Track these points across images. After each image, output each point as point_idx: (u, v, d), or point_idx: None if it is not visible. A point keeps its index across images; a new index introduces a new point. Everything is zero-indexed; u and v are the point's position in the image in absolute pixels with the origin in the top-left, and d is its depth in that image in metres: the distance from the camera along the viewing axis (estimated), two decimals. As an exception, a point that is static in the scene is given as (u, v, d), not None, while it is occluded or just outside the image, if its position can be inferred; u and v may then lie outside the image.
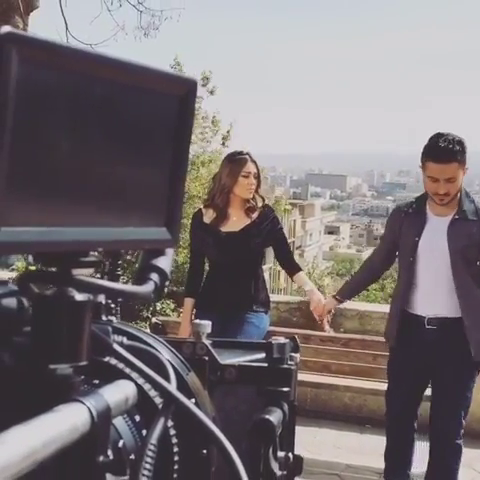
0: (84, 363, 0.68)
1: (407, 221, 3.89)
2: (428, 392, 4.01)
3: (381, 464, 4.58)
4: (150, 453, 0.69)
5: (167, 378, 0.74)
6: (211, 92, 14.23)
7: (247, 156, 4.31)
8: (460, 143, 3.66)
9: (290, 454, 0.95)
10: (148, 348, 0.80)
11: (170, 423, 0.77)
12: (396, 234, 3.96)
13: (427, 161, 3.71)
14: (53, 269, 0.68)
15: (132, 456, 0.72)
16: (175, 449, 0.79)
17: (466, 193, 3.82)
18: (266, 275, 4.56)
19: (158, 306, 8.47)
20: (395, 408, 3.96)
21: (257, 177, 4.31)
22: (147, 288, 0.79)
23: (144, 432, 0.75)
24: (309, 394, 5.84)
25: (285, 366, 0.97)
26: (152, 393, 0.76)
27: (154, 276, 0.80)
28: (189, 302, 4.46)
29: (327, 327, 5.95)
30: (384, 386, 5.66)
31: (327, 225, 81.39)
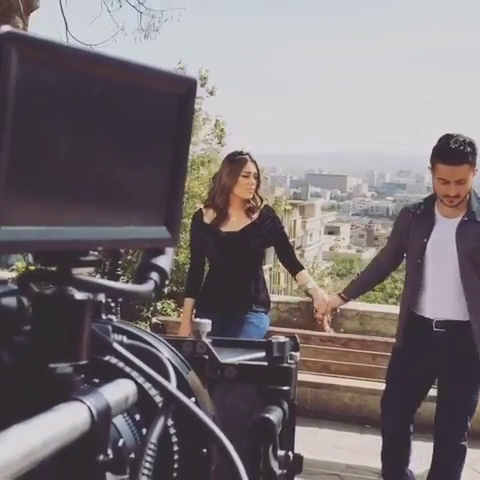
0: (84, 362, 0.68)
1: (415, 222, 3.86)
2: (431, 392, 4.00)
3: (380, 464, 4.58)
4: (150, 452, 0.69)
5: (167, 377, 0.74)
6: (211, 92, 14.19)
7: (247, 156, 4.31)
8: (471, 144, 3.62)
9: (290, 453, 0.95)
10: (148, 347, 0.80)
11: (170, 422, 0.77)
12: (403, 235, 3.92)
13: (437, 163, 3.66)
14: (53, 268, 0.68)
15: (132, 455, 0.72)
16: (175, 448, 0.79)
17: (475, 194, 3.78)
18: (266, 276, 4.56)
19: (158, 306, 8.45)
20: (393, 409, 3.93)
21: (257, 177, 4.31)
22: (147, 287, 0.79)
23: (144, 431, 0.75)
24: (309, 394, 5.84)
25: (285, 365, 0.97)
26: (152, 392, 0.76)
27: (154, 275, 0.80)
28: (189, 302, 4.46)
29: (327, 327, 5.95)
30: (384, 386, 5.68)
31: (327, 225, 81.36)
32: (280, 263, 4.83)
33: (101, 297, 0.75)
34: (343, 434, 5.56)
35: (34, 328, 0.67)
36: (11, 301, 0.69)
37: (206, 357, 0.95)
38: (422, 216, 3.84)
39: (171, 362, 0.80)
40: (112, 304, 0.79)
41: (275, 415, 0.89)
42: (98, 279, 0.72)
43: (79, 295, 0.67)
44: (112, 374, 0.73)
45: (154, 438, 0.70)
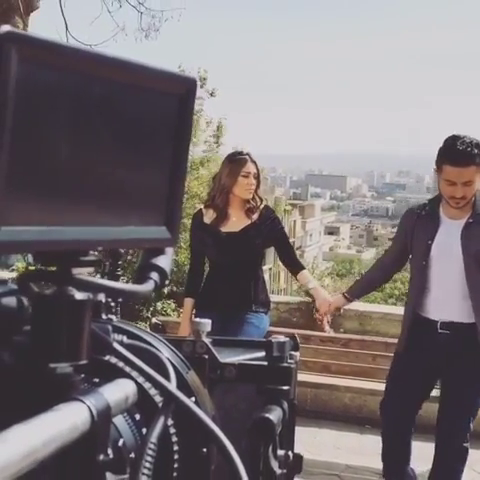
0: (84, 362, 0.68)
1: (419, 223, 3.84)
2: (432, 393, 3.99)
3: (381, 464, 4.58)
4: (150, 452, 0.69)
5: (167, 377, 0.74)
6: (211, 94, 14.16)
7: (247, 156, 4.31)
8: (478, 146, 3.59)
9: (290, 452, 0.95)
10: (148, 347, 0.80)
11: (170, 422, 0.77)
12: (408, 236, 3.90)
13: (444, 164, 3.64)
14: (53, 268, 0.68)
15: (132, 455, 0.72)
16: (175, 448, 0.79)
17: None
18: (266, 276, 4.56)
19: (158, 306, 8.46)
20: (394, 410, 3.91)
21: (257, 177, 4.31)
22: (147, 287, 0.79)
23: (144, 431, 0.75)
24: (309, 394, 5.84)
25: (285, 364, 0.97)
26: (152, 392, 0.76)
27: (154, 275, 0.80)
28: (189, 302, 4.46)
29: (327, 327, 5.95)
30: (384, 387, 5.68)
31: (327, 226, 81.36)
32: (280, 263, 4.83)
33: (101, 297, 0.75)
34: (343, 434, 5.56)
35: (34, 328, 0.67)
36: (11, 301, 0.69)
37: (206, 357, 0.95)
38: (427, 217, 3.82)
39: (171, 362, 0.80)
40: (112, 304, 0.79)
41: (275, 415, 0.89)
42: (98, 279, 0.72)
43: (79, 295, 0.67)
44: (112, 374, 0.73)
45: (154, 438, 0.70)
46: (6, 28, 0.55)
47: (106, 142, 0.65)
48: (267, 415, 0.89)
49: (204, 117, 13.38)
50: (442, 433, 3.83)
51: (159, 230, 0.72)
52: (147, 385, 0.76)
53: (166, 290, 8.38)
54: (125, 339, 0.77)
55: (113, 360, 0.75)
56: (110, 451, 0.68)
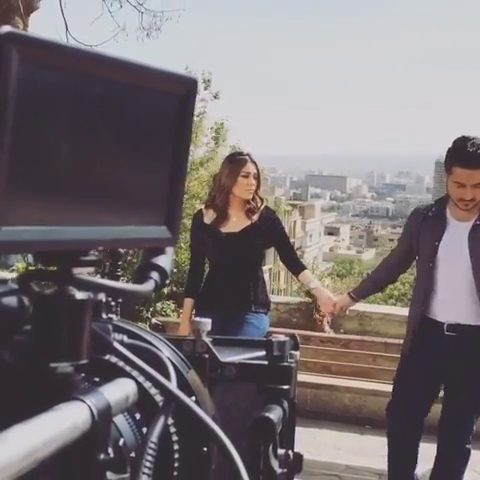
0: (85, 362, 0.68)
1: (426, 225, 3.80)
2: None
3: (381, 465, 4.57)
4: (151, 451, 0.69)
5: (167, 376, 0.74)
6: (215, 96, 14.17)
7: (247, 157, 4.31)
8: None
9: (290, 452, 0.95)
10: (148, 346, 0.80)
11: (170, 421, 0.77)
12: (414, 237, 3.87)
13: (454, 166, 3.60)
14: (53, 268, 0.68)
15: (132, 454, 0.72)
16: (175, 447, 0.79)
17: None
18: (266, 276, 4.56)
19: (158, 307, 8.46)
20: (401, 412, 3.85)
21: (257, 178, 4.31)
22: (147, 287, 0.79)
23: (144, 430, 0.75)
24: (309, 395, 5.84)
25: (285, 364, 0.97)
26: (152, 391, 0.76)
27: (154, 275, 0.80)
28: (189, 302, 4.46)
29: (327, 328, 5.95)
30: (384, 387, 5.68)
31: (327, 226, 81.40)
32: (281, 263, 4.82)
33: (101, 296, 0.75)
34: (343, 435, 5.56)
35: (35, 328, 0.67)
36: (12, 300, 0.69)
37: (206, 356, 0.95)
38: (433, 219, 3.79)
39: (171, 361, 0.80)
40: (112, 303, 0.79)
41: (275, 414, 0.89)
42: (98, 279, 0.72)
43: (79, 295, 0.67)
44: (112, 373, 0.73)
45: (154, 437, 0.70)
46: (7, 29, 0.55)
47: (106, 142, 0.65)
48: (267, 414, 0.89)
49: (207, 119, 13.41)
50: (445, 434, 3.82)
51: (159, 230, 0.72)
52: (147, 384, 0.76)
53: (166, 290, 8.38)
54: (125, 338, 0.77)
55: (113, 359, 0.75)
56: (111, 450, 0.68)
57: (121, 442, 0.72)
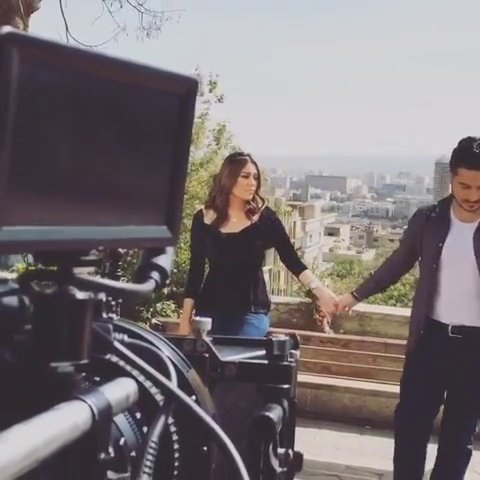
0: (85, 361, 0.68)
1: (429, 226, 3.77)
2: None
3: (381, 465, 4.58)
4: (151, 450, 0.69)
5: (168, 375, 0.75)
6: (219, 99, 14.19)
7: (247, 157, 4.31)
8: None
9: (290, 451, 0.95)
10: (149, 345, 0.80)
11: (171, 420, 0.77)
12: (417, 237, 3.84)
13: (459, 167, 3.57)
14: (54, 268, 0.68)
15: (133, 453, 0.73)
16: (176, 446, 0.79)
17: None
18: (266, 276, 4.56)
19: (158, 307, 8.47)
20: (410, 412, 3.78)
21: (257, 178, 4.30)
22: (148, 286, 0.79)
23: (145, 429, 0.75)
24: (309, 395, 5.84)
25: (285, 363, 0.97)
26: (153, 390, 0.76)
27: (155, 274, 0.81)
28: (189, 303, 4.46)
29: (327, 328, 5.94)
30: (384, 387, 5.69)
31: (327, 227, 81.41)
32: (281, 264, 4.82)
33: (102, 295, 0.75)
34: (343, 435, 5.56)
35: (35, 327, 0.67)
36: (12, 300, 0.69)
37: (206, 355, 0.95)
38: (437, 219, 3.75)
39: (172, 360, 0.80)
40: (112, 302, 0.80)
41: (275, 413, 0.89)
42: (99, 278, 0.72)
43: (80, 294, 0.67)
44: (113, 373, 0.73)
45: (155, 436, 0.70)
46: (7, 29, 0.55)
47: (107, 142, 0.65)
48: (267, 413, 0.89)
49: (210, 121, 13.43)
50: (446, 434, 3.80)
51: (160, 229, 0.72)
52: (148, 384, 0.76)
53: (166, 291, 8.38)
54: (126, 338, 0.78)
55: (114, 359, 0.75)
56: (111, 450, 0.68)
57: (122, 441, 0.72)
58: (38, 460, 0.57)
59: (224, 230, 4.30)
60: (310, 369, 5.75)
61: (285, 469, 0.93)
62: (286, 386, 0.95)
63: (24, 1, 7.64)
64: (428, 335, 3.76)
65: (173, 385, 0.73)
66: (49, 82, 0.59)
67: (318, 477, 4.64)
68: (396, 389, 5.57)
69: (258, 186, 4.31)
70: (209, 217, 4.36)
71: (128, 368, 0.75)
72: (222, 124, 13.82)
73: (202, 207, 4.59)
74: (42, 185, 0.60)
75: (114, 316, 0.78)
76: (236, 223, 4.31)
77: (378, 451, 5.15)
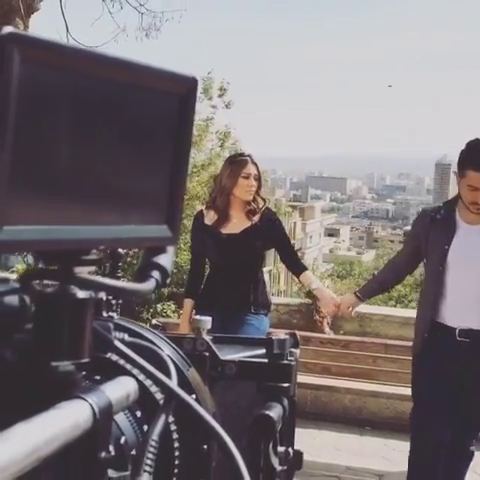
0: (86, 360, 0.68)
1: (435, 228, 3.72)
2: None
3: (381, 466, 4.59)
4: (152, 449, 0.70)
5: (168, 374, 0.75)
6: (226, 105, 14.27)
7: (248, 158, 4.31)
8: None
9: (290, 449, 0.95)
10: (149, 344, 0.81)
11: (171, 419, 0.77)
12: (421, 239, 3.79)
13: (467, 169, 3.53)
14: (55, 267, 0.69)
15: (133, 452, 0.73)
16: (176, 445, 0.79)
17: None
18: (266, 277, 4.55)
19: (158, 308, 8.48)
20: (427, 417, 3.69)
21: (258, 179, 4.30)
22: (148, 286, 0.79)
23: (145, 428, 0.75)
24: (309, 396, 5.84)
25: (285, 362, 0.97)
26: (153, 389, 0.77)
27: (155, 274, 0.81)
28: (189, 303, 4.46)
29: (327, 329, 5.94)
30: (384, 388, 5.69)
31: (327, 227, 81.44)
32: (282, 265, 4.81)
33: (102, 294, 0.75)
34: (343, 436, 5.56)
35: (36, 326, 0.67)
36: (13, 299, 0.70)
37: (206, 354, 0.95)
38: (442, 221, 3.71)
39: (172, 359, 0.80)
40: (113, 301, 0.80)
41: (275, 412, 0.90)
42: (100, 278, 0.72)
43: (81, 294, 0.67)
44: (113, 371, 0.73)
45: (155, 435, 0.71)
46: (8, 29, 0.56)
47: (107, 141, 0.65)
48: (267, 412, 0.89)
49: (214, 125, 13.50)
50: (450, 435, 3.78)
51: (160, 229, 0.72)
52: (148, 382, 0.76)
53: (166, 291, 8.39)
54: (126, 337, 0.78)
55: (114, 358, 0.75)
56: (112, 448, 0.69)
57: (122, 440, 0.72)
58: (39, 459, 0.58)
59: (224, 231, 4.31)
60: (310, 370, 5.75)
61: (285, 467, 0.93)
62: (286, 385, 0.95)
63: (24, 2, 7.64)
64: (433, 337, 3.72)
65: (173, 384, 0.74)
66: (50, 82, 0.59)
67: (318, 478, 4.64)
68: (396, 390, 5.60)
69: (259, 187, 4.31)
70: (209, 218, 4.36)
71: (128, 367, 0.75)
72: (227, 131, 13.89)
73: (202, 208, 4.59)
74: (43, 185, 0.60)
75: (114, 315, 0.79)
76: (236, 224, 4.31)
77: (378, 452, 5.16)
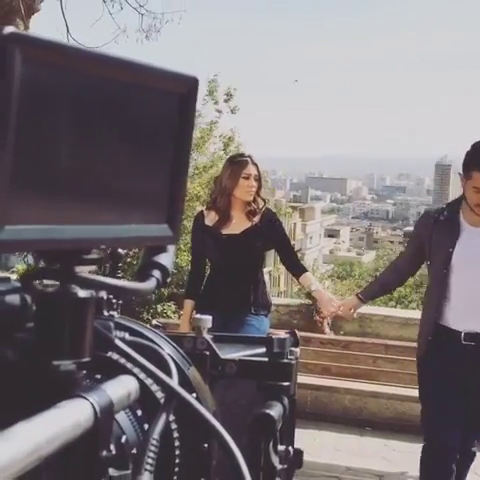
0: (87, 359, 0.68)
1: (438, 229, 3.66)
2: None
3: (381, 466, 4.59)
4: (153, 448, 0.70)
5: (169, 373, 0.75)
6: (232, 111, 14.31)
7: (248, 158, 4.31)
8: None
9: (290, 448, 0.96)
10: (150, 343, 0.81)
11: (171, 417, 0.77)
12: (424, 241, 3.74)
13: (472, 171, 3.49)
14: (56, 266, 0.69)
15: (134, 450, 0.73)
16: (176, 443, 0.80)
17: None
18: (266, 278, 4.55)
19: (159, 308, 8.48)
20: (439, 420, 3.61)
21: (258, 179, 4.31)
22: (149, 285, 0.80)
23: (146, 426, 0.75)
24: (309, 397, 5.84)
25: (285, 361, 0.97)
26: (154, 388, 0.77)
27: (156, 273, 0.81)
28: (189, 304, 4.46)
29: (327, 330, 5.94)
30: (384, 389, 5.69)
31: (327, 228, 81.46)
32: (282, 266, 4.81)
33: (102, 293, 0.76)
34: (343, 436, 5.56)
35: (37, 326, 0.68)
36: (14, 299, 0.70)
37: (207, 353, 0.95)
38: (446, 223, 3.65)
39: (172, 358, 0.80)
40: (113, 300, 0.80)
41: (275, 410, 0.90)
42: (100, 277, 0.73)
43: (82, 293, 0.68)
44: (114, 370, 0.74)
45: (156, 434, 0.71)
46: (10, 29, 0.56)
47: (108, 141, 0.65)
48: (268, 411, 0.89)
49: (218, 129, 13.52)
50: None
51: (161, 228, 0.72)
52: (149, 381, 0.76)
53: (166, 292, 8.39)
54: (127, 336, 0.78)
55: (115, 357, 0.76)
56: (113, 447, 0.69)
57: (123, 439, 0.73)
58: (41, 458, 0.58)
59: (225, 231, 4.31)
60: (310, 370, 5.75)
61: (285, 466, 0.93)
62: (286, 383, 0.95)
63: (25, 3, 7.65)
64: (437, 340, 3.67)
65: (174, 383, 0.74)
66: (51, 82, 0.59)
67: (318, 478, 4.65)
68: (397, 390, 5.60)
69: (259, 187, 4.32)
70: (210, 218, 4.36)
71: (129, 366, 0.75)
72: (231, 135, 13.92)
73: (203, 208, 4.59)
74: (44, 184, 0.60)
75: (115, 314, 0.79)
76: (237, 224, 4.32)
77: (378, 452, 5.16)
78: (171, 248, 0.84)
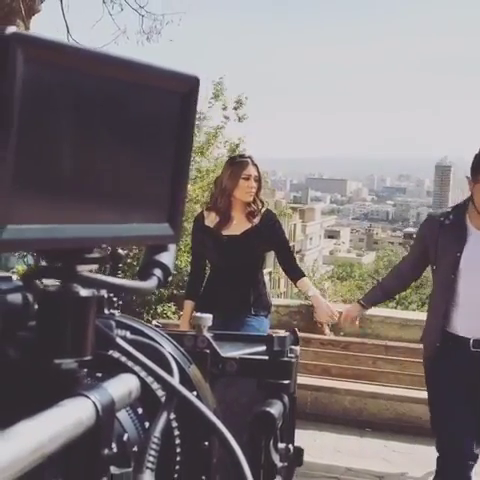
0: (89, 358, 0.69)
1: (444, 233, 3.59)
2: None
3: (381, 467, 4.59)
4: (154, 445, 0.70)
5: (169, 371, 0.75)
6: (239, 119, 14.31)
7: (248, 159, 4.31)
8: None
9: (290, 446, 0.96)
10: (150, 342, 0.81)
11: (172, 415, 0.78)
12: (429, 245, 3.66)
13: None
14: (57, 265, 0.69)
15: (135, 448, 0.73)
16: (177, 441, 0.80)
17: None
18: (266, 279, 4.54)
19: (159, 309, 8.48)
20: (451, 427, 3.56)
21: (258, 180, 4.31)
22: (151, 284, 0.80)
23: (147, 424, 0.76)
24: (309, 397, 5.84)
25: (285, 359, 0.97)
26: (155, 386, 0.77)
27: (157, 272, 0.81)
28: (189, 305, 4.45)
29: (327, 330, 5.93)
30: (384, 389, 5.69)
31: (327, 229, 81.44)
32: (280, 268, 4.81)
33: (104, 292, 0.76)
34: (343, 437, 5.56)
35: (39, 324, 0.68)
36: (16, 297, 0.70)
37: (207, 351, 0.95)
38: (452, 227, 3.58)
39: (173, 356, 0.81)
40: (114, 298, 0.80)
41: (276, 408, 0.90)
42: (102, 276, 0.73)
43: (83, 292, 0.68)
44: (115, 369, 0.74)
45: (157, 432, 0.71)
46: (12, 29, 0.56)
47: (110, 140, 0.66)
48: (268, 409, 0.89)
49: (223, 134, 13.50)
50: None
51: (162, 227, 0.72)
52: (150, 380, 0.77)
53: (166, 293, 8.39)
54: (128, 334, 0.78)
55: (116, 355, 0.76)
56: (114, 445, 0.69)
57: (124, 437, 0.73)
58: (43, 456, 0.58)
59: (225, 232, 4.31)
60: (310, 371, 5.75)
61: (286, 464, 0.93)
62: (286, 381, 0.96)
63: (25, 3, 7.65)
64: (445, 347, 3.61)
65: (175, 381, 0.74)
66: (53, 82, 0.59)
67: (318, 479, 4.65)
68: (397, 391, 5.60)
69: (259, 188, 4.32)
70: (210, 219, 4.36)
71: (130, 364, 0.75)
72: (236, 144, 13.92)
73: (203, 209, 4.59)
74: (46, 184, 0.60)
75: (116, 312, 0.79)
76: (237, 225, 4.32)
77: (378, 453, 5.16)
78: (172, 247, 0.84)
